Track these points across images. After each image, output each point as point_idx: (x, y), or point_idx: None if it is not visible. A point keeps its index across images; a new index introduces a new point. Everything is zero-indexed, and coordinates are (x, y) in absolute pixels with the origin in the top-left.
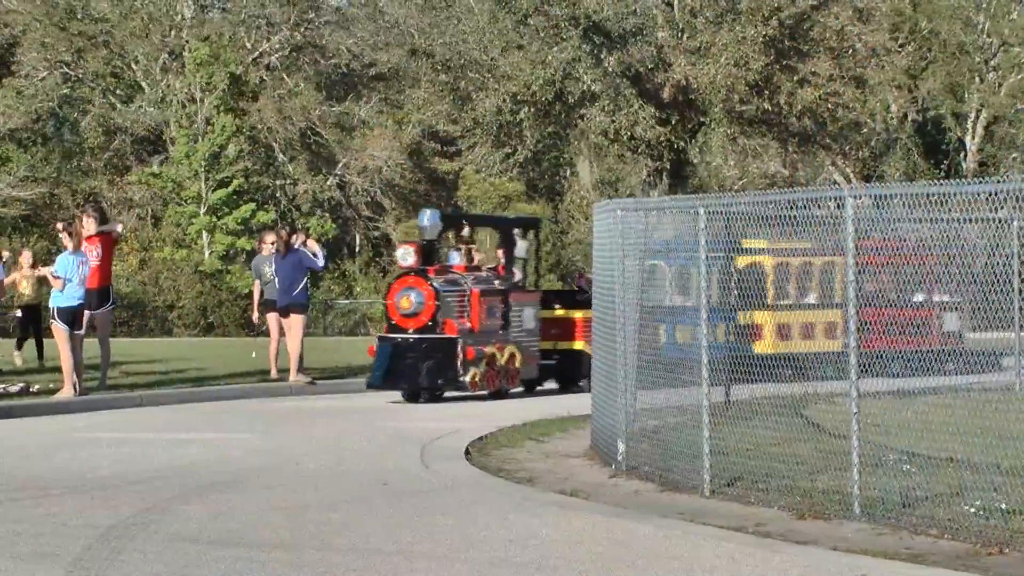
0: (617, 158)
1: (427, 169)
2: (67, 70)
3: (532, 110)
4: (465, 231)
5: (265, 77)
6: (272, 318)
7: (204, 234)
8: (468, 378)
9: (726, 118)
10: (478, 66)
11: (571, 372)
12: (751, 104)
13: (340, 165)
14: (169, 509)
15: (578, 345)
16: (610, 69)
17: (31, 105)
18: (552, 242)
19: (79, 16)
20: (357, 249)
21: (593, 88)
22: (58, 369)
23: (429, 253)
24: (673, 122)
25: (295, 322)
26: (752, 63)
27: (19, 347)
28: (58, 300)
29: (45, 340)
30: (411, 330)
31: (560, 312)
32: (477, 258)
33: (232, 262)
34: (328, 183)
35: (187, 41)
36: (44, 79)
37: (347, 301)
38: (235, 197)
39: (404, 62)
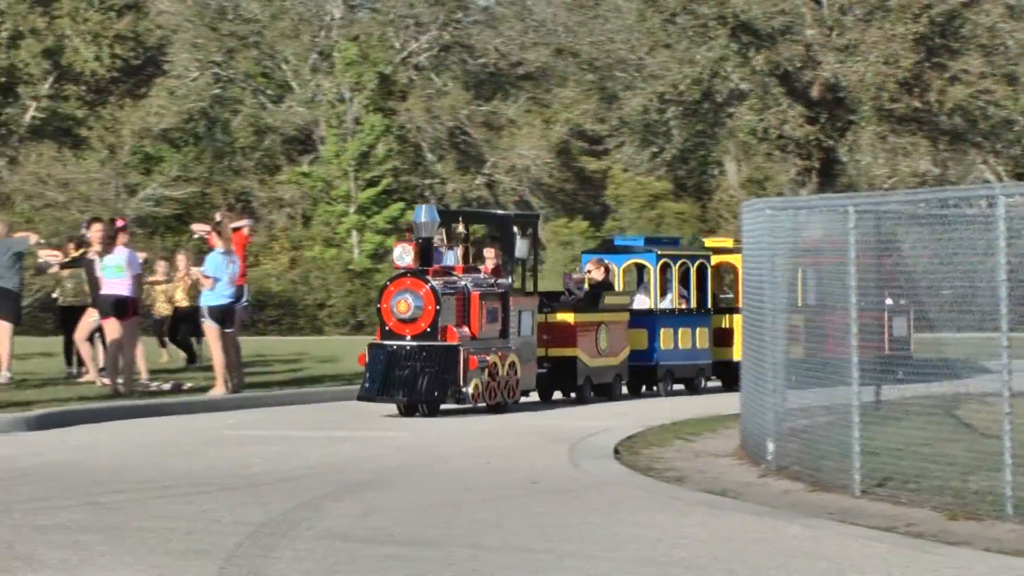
0: (765, 157)
1: (574, 168)
2: (218, 70)
3: (679, 109)
4: (460, 228)
5: (414, 76)
6: None
7: (353, 233)
8: (470, 389)
9: (875, 116)
10: (625, 65)
11: (565, 381)
12: (901, 102)
13: (488, 164)
14: (320, 506)
15: (573, 352)
16: (758, 68)
17: (183, 105)
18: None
19: (230, 17)
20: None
21: (741, 87)
22: (208, 368)
23: (427, 252)
24: (822, 120)
25: None
26: (902, 61)
27: (165, 344)
28: (209, 299)
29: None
30: (408, 337)
31: (554, 316)
32: (491, 260)
33: (381, 261)
34: (476, 182)
35: (336, 41)
36: (196, 79)
37: None
38: (384, 196)
39: (552, 61)
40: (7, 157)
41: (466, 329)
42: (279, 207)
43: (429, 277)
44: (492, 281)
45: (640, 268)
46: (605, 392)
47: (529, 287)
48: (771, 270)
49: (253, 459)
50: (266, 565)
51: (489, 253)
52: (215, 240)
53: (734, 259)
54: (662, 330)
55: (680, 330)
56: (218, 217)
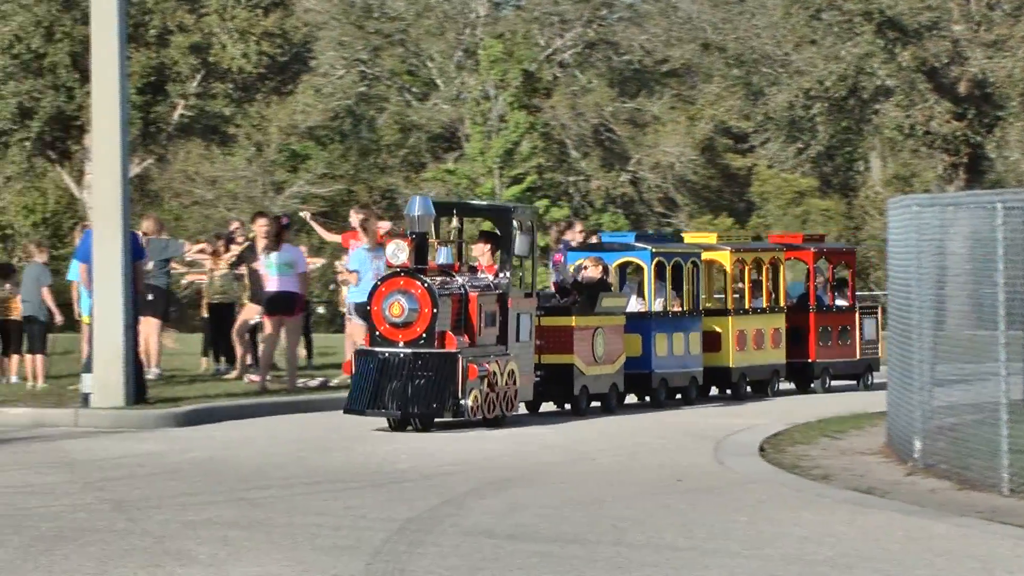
0: (911, 153)
1: (720, 165)
2: (364, 68)
3: (825, 105)
4: (455, 222)
5: (558, 74)
6: None
7: None
8: (469, 402)
9: None
10: (771, 61)
11: (559, 391)
12: None
13: (632, 161)
14: (465, 503)
15: (568, 359)
16: (904, 64)
17: (329, 103)
18: (846, 238)
19: (376, 15)
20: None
21: (887, 83)
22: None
23: (423, 249)
24: (969, 117)
25: None
26: None
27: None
28: (354, 295)
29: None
30: (401, 343)
31: (550, 320)
32: (483, 257)
33: None
34: (621, 179)
35: (481, 39)
36: (342, 77)
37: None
38: (529, 193)
39: (697, 57)
40: (156, 155)
41: (464, 335)
42: None
43: (425, 276)
44: (489, 281)
45: (623, 267)
46: (602, 404)
47: (527, 287)
48: (918, 267)
49: (399, 455)
50: (412, 561)
51: (480, 250)
52: (360, 236)
53: (721, 256)
54: (657, 335)
55: (674, 335)
56: (359, 215)
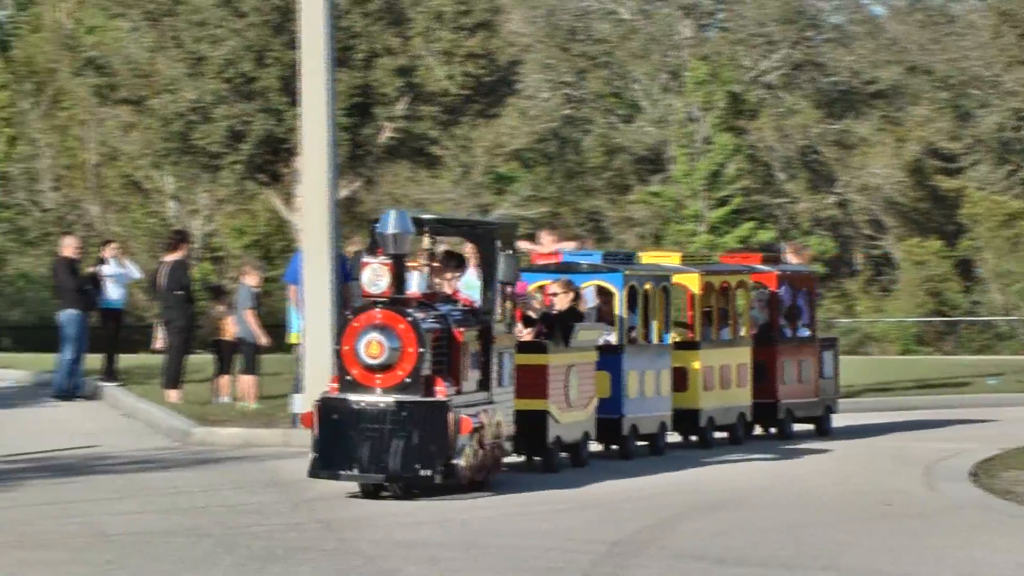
0: None
1: (928, 187)
2: (569, 90)
3: None
4: (426, 241)
5: (764, 95)
6: None
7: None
8: (462, 461)
9: None
10: (980, 82)
11: (529, 443)
12: None
13: (840, 183)
14: (674, 526)
15: (541, 405)
16: None
17: (535, 125)
18: None
19: (581, 37)
20: (857, 268)
21: None
22: None
23: (401, 275)
24: None
25: None
26: None
27: None
28: None
29: None
30: (379, 390)
31: (521, 358)
32: (448, 284)
33: None
34: (827, 201)
35: (687, 60)
36: (547, 99)
37: (848, 320)
38: (734, 215)
39: (904, 79)
40: (363, 177)
41: (450, 379)
42: (629, 226)
43: (410, 308)
44: (468, 313)
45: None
46: (571, 454)
47: (507, 318)
48: None
49: (606, 476)
50: None
51: (446, 276)
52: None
53: (687, 279)
54: (629, 373)
55: (646, 373)
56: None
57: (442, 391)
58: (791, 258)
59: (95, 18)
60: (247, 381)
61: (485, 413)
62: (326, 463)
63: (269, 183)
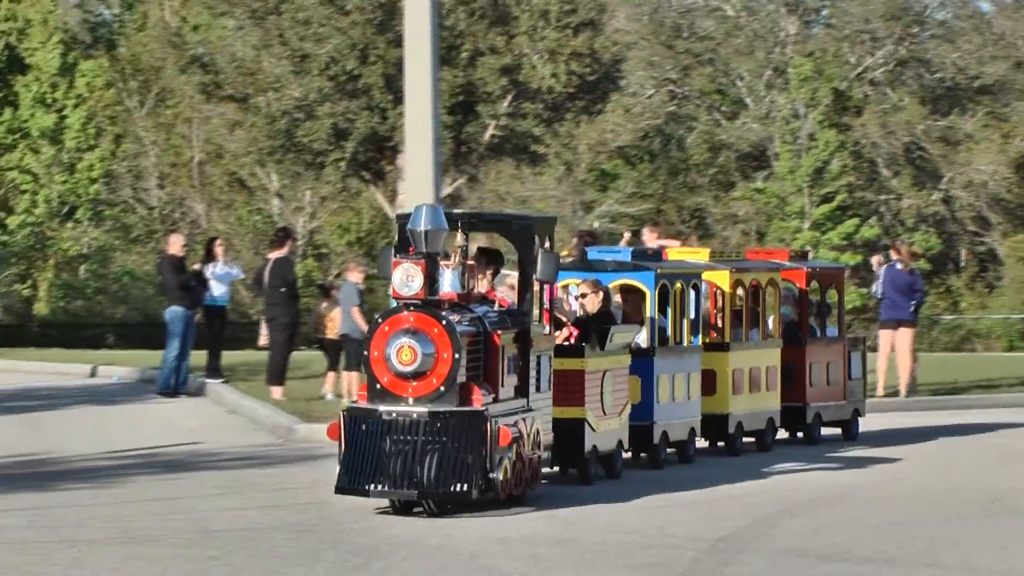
0: None
1: None
2: (673, 87)
3: None
4: (460, 239)
5: (868, 92)
6: (886, 335)
7: (808, 249)
8: (500, 475)
9: None
10: None
11: (565, 453)
12: None
13: (944, 180)
14: (775, 523)
15: (579, 413)
16: None
17: (638, 122)
18: None
19: (685, 35)
20: (962, 264)
21: None
22: None
23: (435, 275)
24: None
25: (904, 336)
26: None
27: None
28: None
29: None
30: (411, 399)
31: (556, 362)
32: (484, 282)
33: None
34: (932, 198)
35: (791, 57)
36: (651, 96)
37: (952, 316)
38: (839, 212)
39: (1011, 74)
40: (467, 175)
41: (487, 386)
42: (733, 223)
43: (444, 311)
44: (504, 315)
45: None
46: (606, 465)
47: (540, 320)
48: None
49: (708, 474)
50: None
51: (481, 273)
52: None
53: (718, 277)
54: (660, 377)
55: (676, 377)
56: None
57: (479, 399)
58: (893, 255)
59: (200, 16)
60: (351, 377)
61: (523, 422)
62: (353, 478)
63: (373, 180)
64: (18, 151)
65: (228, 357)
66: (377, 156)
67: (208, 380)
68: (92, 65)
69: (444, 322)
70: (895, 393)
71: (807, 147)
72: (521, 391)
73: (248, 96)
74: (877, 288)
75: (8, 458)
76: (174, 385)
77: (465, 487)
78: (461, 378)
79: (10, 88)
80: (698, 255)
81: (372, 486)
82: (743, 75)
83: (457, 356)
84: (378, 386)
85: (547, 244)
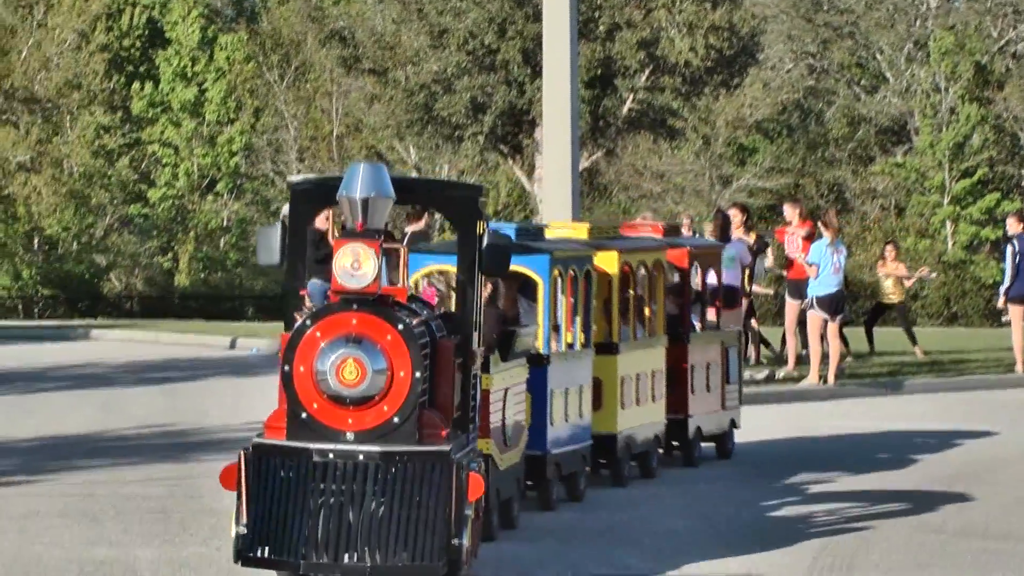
0: None
1: None
2: (812, 61)
3: None
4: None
5: (1011, 65)
6: (1017, 310)
7: (947, 224)
8: (466, 541)
9: None
10: None
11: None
12: None
13: None
14: (912, 499)
15: (484, 446)
16: None
17: (777, 96)
18: None
19: (825, 8)
20: None
21: None
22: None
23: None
24: None
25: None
26: None
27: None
28: (816, 289)
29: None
30: (351, 433)
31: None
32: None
33: (976, 252)
34: None
35: (932, 31)
36: (790, 71)
37: None
38: (979, 187)
39: None
40: (605, 149)
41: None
42: (871, 198)
43: (399, 312)
44: (442, 319)
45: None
46: (503, 515)
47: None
48: None
49: (845, 451)
50: (859, 556)
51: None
52: (823, 230)
53: (606, 260)
54: (554, 392)
55: (569, 391)
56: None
57: (441, 434)
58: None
59: None
60: None
61: (478, 463)
62: (262, 542)
63: (511, 154)
64: (159, 124)
65: None
66: (515, 130)
67: None
68: (232, 39)
69: (401, 326)
70: None
71: (948, 121)
72: (462, 422)
73: (387, 70)
74: (1012, 260)
75: (149, 428)
76: None
77: (428, 560)
78: (417, 405)
79: (151, 62)
80: (575, 231)
81: (287, 558)
82: (883, 48)
83: (418, 375)
84: (304, 415)
85: (478, 219)
